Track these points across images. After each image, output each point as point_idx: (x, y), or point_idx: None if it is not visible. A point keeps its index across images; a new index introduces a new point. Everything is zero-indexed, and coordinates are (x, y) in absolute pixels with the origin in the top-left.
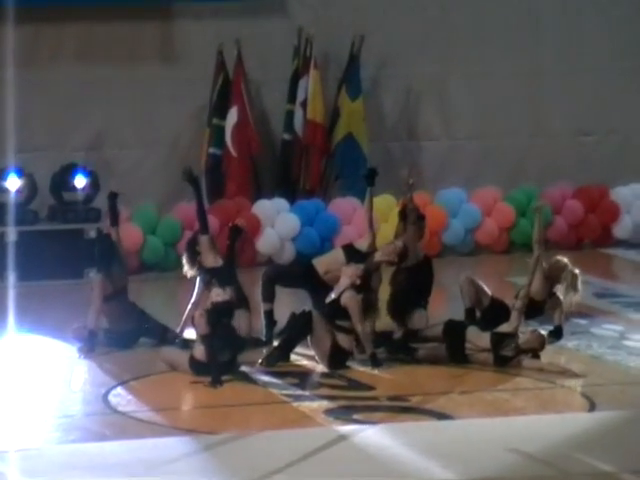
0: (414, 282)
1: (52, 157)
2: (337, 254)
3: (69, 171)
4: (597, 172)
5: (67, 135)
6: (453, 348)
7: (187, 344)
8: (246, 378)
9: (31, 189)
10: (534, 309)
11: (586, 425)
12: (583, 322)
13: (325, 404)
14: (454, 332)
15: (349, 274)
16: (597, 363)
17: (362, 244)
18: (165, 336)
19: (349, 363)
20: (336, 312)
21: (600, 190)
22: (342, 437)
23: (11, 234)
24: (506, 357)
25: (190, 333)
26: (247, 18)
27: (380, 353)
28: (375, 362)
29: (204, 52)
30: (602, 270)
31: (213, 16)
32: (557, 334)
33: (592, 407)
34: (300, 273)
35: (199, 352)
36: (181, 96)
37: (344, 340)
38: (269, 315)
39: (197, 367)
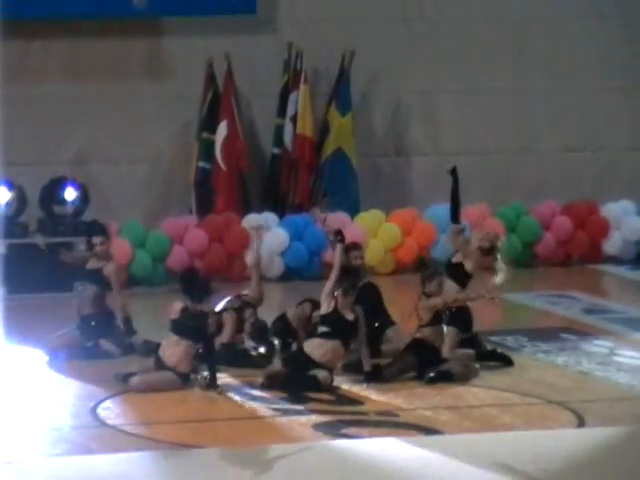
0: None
1: (41, 171)
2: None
3: (59, 184)
4: (586, 189)
5: (55, 149)
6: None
7: (149, 347)
8: (234, 392)
9: (20, 202)
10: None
11: (575, 441)
12: (572, 338)
13: (314, 419)
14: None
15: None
16: (586, 379)
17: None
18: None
19: (337, 379)
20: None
21: (589, 206)
22: (330, 452)
23: (0, 247)
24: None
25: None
26: (236, 33)
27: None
28: (372, 378)
29: (192, 68)
30: (591, 286)
31: (201, 32)
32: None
33: (581, 423)
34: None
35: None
36: (168, 112)
37: (324, 376)
38: None
39: None
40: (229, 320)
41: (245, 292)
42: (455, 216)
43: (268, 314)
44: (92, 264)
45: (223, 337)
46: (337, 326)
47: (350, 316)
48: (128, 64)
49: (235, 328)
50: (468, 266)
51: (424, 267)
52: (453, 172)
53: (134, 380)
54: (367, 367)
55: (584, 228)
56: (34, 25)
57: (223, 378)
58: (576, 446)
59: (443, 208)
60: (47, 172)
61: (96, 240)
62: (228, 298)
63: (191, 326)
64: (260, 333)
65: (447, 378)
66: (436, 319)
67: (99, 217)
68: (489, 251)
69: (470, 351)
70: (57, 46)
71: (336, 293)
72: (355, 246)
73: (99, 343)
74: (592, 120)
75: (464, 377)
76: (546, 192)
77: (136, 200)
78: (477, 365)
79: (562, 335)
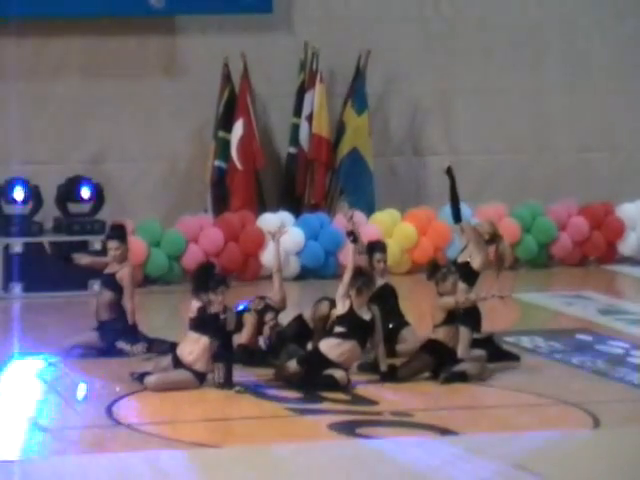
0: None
1: (57, 170)
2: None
3: (75, 183)
4: (602, 189)
5: (72, 148)
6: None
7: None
8: (250, 391)
9: (36, 201)
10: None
11: (590, 442)
12: (588, 339)
13: (329, 418)
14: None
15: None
16: (602, 380)
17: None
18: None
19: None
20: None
21: (605, 207)
22: (345, 451)
23: (16, 246)
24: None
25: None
26: (252, 32)
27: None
28: (388, 378)
29: (208, 67)
30: (607, 287)
31: (218, 31)
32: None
33: (597, 424)
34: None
35: None
36: (184, 110)
37: (341, 376)
38: None
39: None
40: (250, 321)
41: (269, 295)
42: (456, 215)
43: (285, 313)
44: (110, 268)
45: (241, 338)
46: (353, 326)
47: (367, 316)
48: (145, 63)
49: (255, 330)
50: (475, 264)
51: (433, 268)
52: (449, 172)
53: (150, 379)
54: (383, 367)
55: (600, 229)
56: (51, 23)
57: (238, 377)
58: (591, 447)
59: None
60: (64, 171)
61: (111, 245)
62: (251, 298)
63: (209, 321)
64: (278, 338)
65: (462, 379)
66: (450, 319)
67: (115, 216)
68: (491, 240)
69: (481, 351)
70: (74, 45)
71: (351, 293)
72: (379, 247)
73: (115, 344)
74: (608, 120)
75: (479, 378)
76: (562, 192)
77: (152, 199)
78: (490, 365)
79: (578, 336)
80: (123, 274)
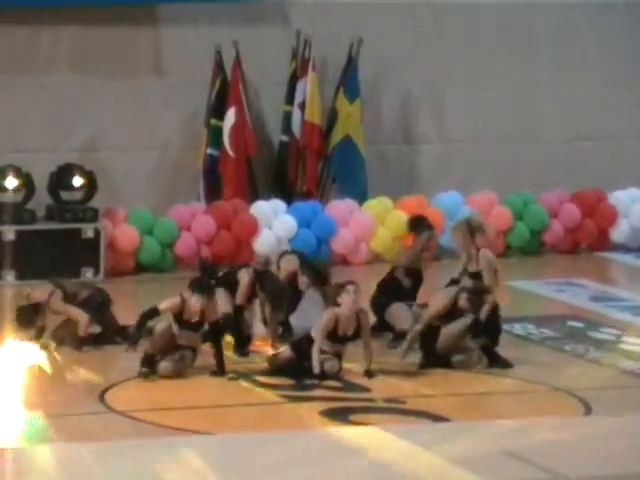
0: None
1: (49, 158)
2: None
3: (67, 171)
4: (594, 177)
5: (64, 136)
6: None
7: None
8: (243, 378)
9: (29, 188)
10: None
11: (582, 429)
12: (580, 326)
13: (321, 405)
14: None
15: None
16: (593, 367)
17: None
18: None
19: (346, 365)
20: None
21: (597, 194)
22: (337, 438)
23: (9, 233)
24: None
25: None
26: (244, 21)
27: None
28: (371, 375)
29: (200, 55)
30: (599, 274)
31: (210, 19)
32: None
33: (588, 411)
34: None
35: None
36: (176, 99)
37: (331, 365)
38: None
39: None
40: (244, 279)
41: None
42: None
43: None
44: None
45: (236, 298)
46: None
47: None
48: (137, 51)
49: (250, 291)
50: (487, 277)
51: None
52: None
53: (163, 365)
54: (367, 366)
55: (592, 216)
56: (43, 12)
57: (231, 365)
58: (583, 434)
59: (451, 195)
60: (56, 159)
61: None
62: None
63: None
64: (275, 299)
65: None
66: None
67: (108, 204)
68: (474, 231)
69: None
70: (66, 34)
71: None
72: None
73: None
74: (600, 108)
75: (464, 367)
76: (554, 180)
77: (145, 187)
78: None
79: (569, 323)
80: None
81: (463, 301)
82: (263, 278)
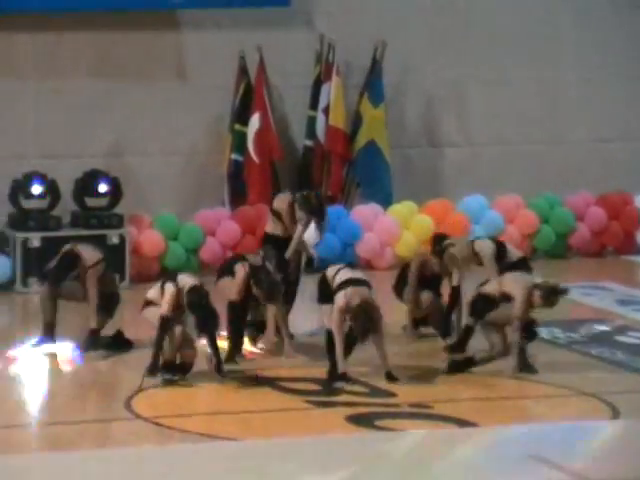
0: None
1: (74, 164)
2: None
3: (92, 177)
4: (620, 179)
5: (89, 142)
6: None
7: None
8: (268, 384)
9: (54, 195)
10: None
11: (609, 432)
12: (607, 329)
13: (347, 411)
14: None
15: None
16: (620, 370)
17: None
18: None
19: (372, 371)
20: None
21: (623, 197)
22: (364, 444)
23: (34, 240)
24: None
25: None
26: (268, 25)
27: None
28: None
29: (224, 60)
30: (625, 277)
31: (233, 25)
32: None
33: (615, 414)
34: None
35: None
36: (201, 104)
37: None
38: None
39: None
40: (240, 272)
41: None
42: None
43: (300, 306)
44: None
45: (232, 293)
46: None
47: None
48: (161, 56)
49: (245, 284)
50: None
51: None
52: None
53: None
54: (386, 367)
55: (618, 219)
56: (66, 18)
57: (252, 370)
58: (610, 438)
59: (476, 199)
60: (81, 165)
61: None
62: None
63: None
64: (269, 294)
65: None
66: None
67: (133, 210)
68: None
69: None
70: (89, 39)
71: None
72: None
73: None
74: (625, 110)
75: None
76: (580, 183)
77: (170, 192)
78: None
79: (596, 326)
80: None
81: (537, 297)
82: (258, 273)
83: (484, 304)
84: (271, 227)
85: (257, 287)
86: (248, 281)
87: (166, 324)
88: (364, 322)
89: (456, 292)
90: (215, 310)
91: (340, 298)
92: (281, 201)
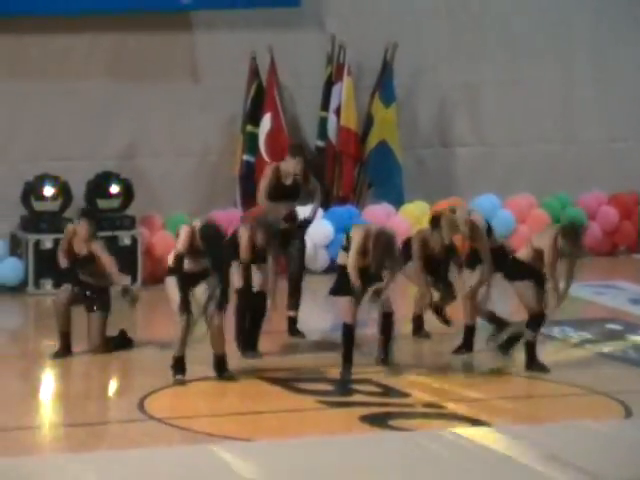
0: None
1: (86, 166)
2: None
3: (104, 179)
4: (631, 179)
5: (100, 144)
6: None
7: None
8: (281, 384)
9: (66, 197)
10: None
11: (622, 431)
12: (619, 328)
13: (360, 410)
14: None
15: None
16: (633, 369)
17: None
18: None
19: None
20: None
21: (634, 196)
22: (378, 444)
23: (47, 242)
24: None
25: None
26: (280, 27)
27: None
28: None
29: (236, 61)
30: (637, 276)
31: (245, 26)
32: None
33: (628, 413)
34: None
35: None
36: (211, 105)
37: None
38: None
39: None
40: (244, 235)
41: None
42: None
43: (311, 306)
44: None
45: (241, 252)
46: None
47: None
48: (172, 58)
49: (251, 244)
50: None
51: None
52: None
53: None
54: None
55: (630, 218)
56: (78, 20)
57: (264, 372)
58: (623, 436)
59: (488, 199)
60: (93, 167)
61: None
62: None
63: None
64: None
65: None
66: None
67: (145, 211)
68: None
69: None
70: (101, 41)
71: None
72: None
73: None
74: (637, 109)
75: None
76: (592, 182)
77: (181, 193)
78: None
79: (608, 325)
80: None
81: (560, 241)
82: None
83: (519, 268)
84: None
85: (258, 231)
86: (253, 237)
87: (180, 261)
88: (383, 247)
89: (451, 250)
90: (228, 246)
91: (357, 232)
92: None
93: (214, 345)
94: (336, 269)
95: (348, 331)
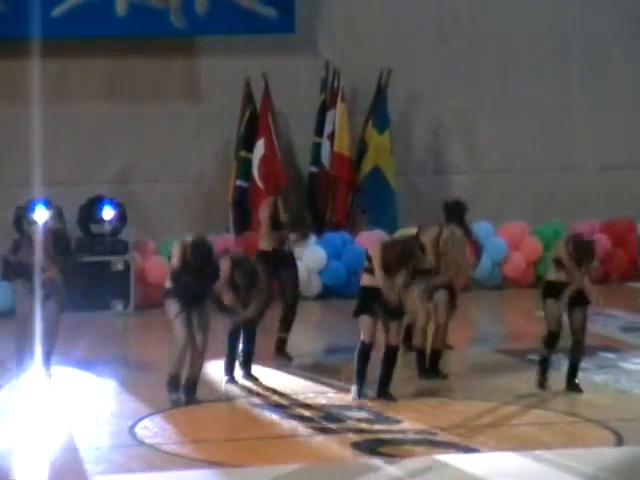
0: None
1: (79, 190)
2: None
3: (97, 203)
4: (624, 206)
5: (94, 168)
6: None
7: None
8: (272, 410)
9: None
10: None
11: (613, 459)
12: (611, 356)
13: (352, 437)
14: None
15: None
16: (625, 397)
17: None
18: None
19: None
20: None
21: (627, 224)
22: (369, 471)
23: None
24: None
25: None
26: (274, 53)
27: None
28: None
29: (230, 87)
30: (630, 304)
31: (241, 52)
32: None
33: (619, 441)
34: None
35: None
36: (207, 131)
37: None
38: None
39: None
40: (225, 264)
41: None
42: None
43: (305, 333)
44: None
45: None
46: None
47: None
48: (167, 83)
49: (230, 275)
50: None
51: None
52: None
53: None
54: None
55: (622, 246)
56: (74, 44)
57: (255, 397)
58: (614, 465)
59: (482, 226)
60: (86, 192)
61: None
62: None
63: None
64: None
65: None
66: None
67: (138, 236)
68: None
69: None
70: (97, 65)
71: None
72: None
73: None
74: (631, 137)
75: None
76: (585, 210)
77: (175, 219)
78: None
79: (600, 353)
80: None
81: (571, 250)
82: (239, 262)
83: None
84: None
85: (238, 275)
86: (232, 272)
87: (179, 276)
88: (403, 247)
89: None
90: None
91: (375, 249)
92: (262, 211)
93: (195, 367)
94: (328, 295)
95: (365, 350)
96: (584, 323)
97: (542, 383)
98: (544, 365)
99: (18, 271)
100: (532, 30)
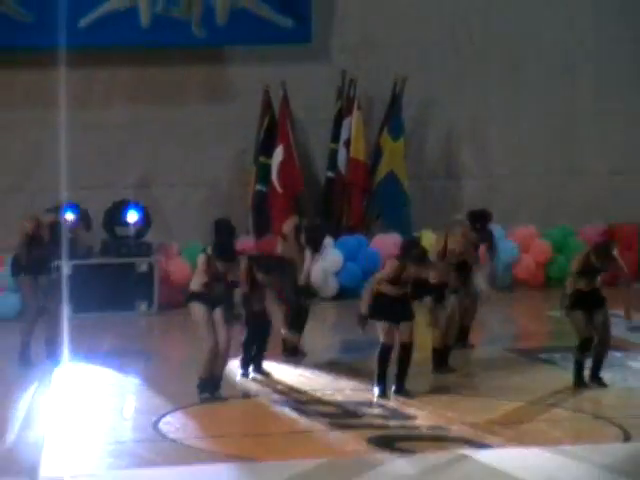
0: None
1: (104, 194)
2: None
3: (122, 207)
4: (632, 210)
5: (119, 173)
6: None
7: None
8: (290, 406)
9: (86, 224)
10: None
11: (621, 455)
12: (618, 355)
13: (368, 433)
14: None
15: None
16: (632, 395)
17: None
18: None
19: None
20: None
21: (633, 227)
22: (385, 465)
23: (66, 268)
24: None
25: None
26: (292, 62)
27: None
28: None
29: (250, 95)
30: (637, 305)
31: (260, 61)
32: None
33: (627, 438)
34: None
35: None
36: (227, 137)
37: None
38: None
39: None
40: (242, 263)
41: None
42: None
43: (321, 333)
44: None
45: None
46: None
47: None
48: (189, 91)
49: (248, 273)
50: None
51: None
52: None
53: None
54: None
55: (630, 249)
56: (100, 54)
57: (273, 393)
58: (622, 460)
59: (494, 229)
60: (111, 195)
61: None
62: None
63: None
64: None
65: None
66: None
67: (161, 239)
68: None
69: None
70: (122, 74)
71: None
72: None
73: None
74: (637, 143)
75: None
76: (593, 213)
77: (197, 222)
78: None
79: (608, 352)
80: None
81: (593, 258)
82: (257, 258)
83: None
84: (280, 249)
85: (257, 268)
86: (250, 269)
87: (206, 287)
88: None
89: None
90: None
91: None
92: (286, 225)
93: (219, 365)
94: (344, 295)
95: (385, 351)
96: (606, 323)
97: (579, 383)
98: (579, 367)
99: (27, 268)
100: (542, 39)
